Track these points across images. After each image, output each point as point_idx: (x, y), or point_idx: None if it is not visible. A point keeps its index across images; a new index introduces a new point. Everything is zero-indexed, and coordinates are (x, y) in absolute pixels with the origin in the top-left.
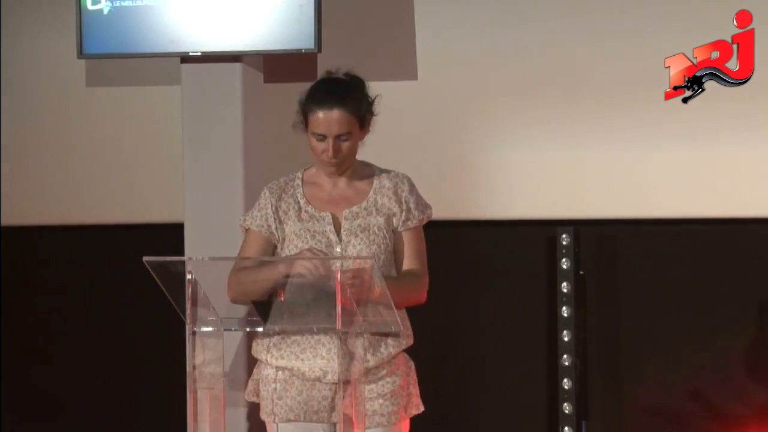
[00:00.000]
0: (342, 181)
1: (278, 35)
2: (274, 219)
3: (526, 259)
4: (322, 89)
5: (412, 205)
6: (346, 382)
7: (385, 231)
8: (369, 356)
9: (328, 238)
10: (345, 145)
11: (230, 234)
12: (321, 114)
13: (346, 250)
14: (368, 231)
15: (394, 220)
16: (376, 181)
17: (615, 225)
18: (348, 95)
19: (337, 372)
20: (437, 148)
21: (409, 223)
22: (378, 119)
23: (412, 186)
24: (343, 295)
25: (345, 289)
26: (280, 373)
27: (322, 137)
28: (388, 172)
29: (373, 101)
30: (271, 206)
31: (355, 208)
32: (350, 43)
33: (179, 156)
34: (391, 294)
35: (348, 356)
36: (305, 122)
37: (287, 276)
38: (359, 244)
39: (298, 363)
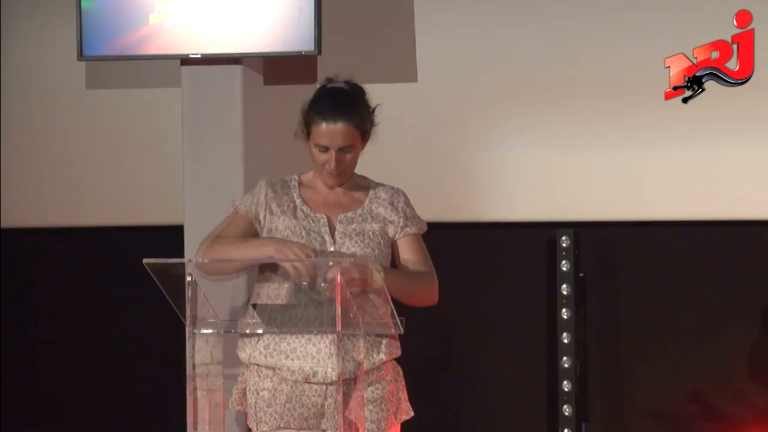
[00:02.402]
0: (338, 189)
1: (278, 37)
2: (265, 207)
3: (526, 262)
4: (327, 101)
5: (409, 215)
6: (348, 383)
7: (380, 237)
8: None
9: (322, 237)
10: (348, 158)
11: None
12: (325, 126)
13: (339, 251)
14: (363, 235)
15: (391, 229)
16: (371, 192)
17: (615, 227)
18: (353, 108)
19: (329, 372)
20: (437, 150)
21: (407, 229)
22: (377, 121)
23: (407, 199)
24: (343, 297)
25: (345, 291)
26: (267, 381)
27: (325, 149)
28: (383, 185)
29: (373, 110)
30: (265, 195)
31: (350, 214)
32: (350, 46)
33: (179, 158)
34: (404, 287)
35: (343, 357)
36: (308, 132)
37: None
38: (353, 246)
39: (288, 362)
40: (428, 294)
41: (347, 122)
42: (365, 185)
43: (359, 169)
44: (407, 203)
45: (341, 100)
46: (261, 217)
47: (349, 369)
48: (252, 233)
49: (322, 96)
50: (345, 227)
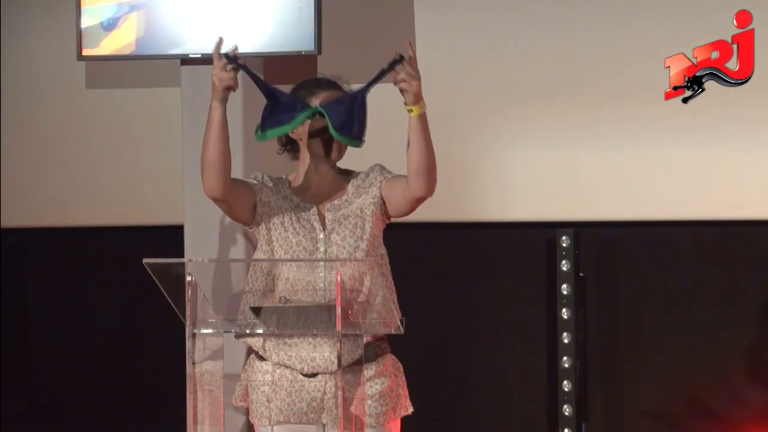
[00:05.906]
0: (324, 180)
1: (278, 37)
2: (262, 188)
3: (526, 261)
4: (308, 81)
5: (388, 171)
6: (347, 372)
7: (368, 211)
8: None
9: (312, 225)
10: None
11: (230, 236)
12: (311, 98)
13: (329, 238)
14: (350, 217)
15: (375, 190)
16: (353, 179)
17: (615, 227)
18: (332, 82)
19: (327, 355)
20: (437, 150)
21: (388, 175)
22: (378, 121)
23: (384, 167)
24: (343, 295)
25: (345, 288)
26: (268, 376)
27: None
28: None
29: None
30: (265, 178)
31: (336, 201)
32: (350, 46)
33: (179, 158)
34: (428, 134)
35: (340, 353)
36: None
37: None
38: (342, 230)
39: (286, 348)
40: (434, 169)
41: (331, 90)
42: (348, 174)
43: (358, 168)
44: (384, 168)
45: (320, 79)
46: (257, 190)
47: (347, 350)
48: (251, 197)
49: (303, 81)
50: (333, 214)
